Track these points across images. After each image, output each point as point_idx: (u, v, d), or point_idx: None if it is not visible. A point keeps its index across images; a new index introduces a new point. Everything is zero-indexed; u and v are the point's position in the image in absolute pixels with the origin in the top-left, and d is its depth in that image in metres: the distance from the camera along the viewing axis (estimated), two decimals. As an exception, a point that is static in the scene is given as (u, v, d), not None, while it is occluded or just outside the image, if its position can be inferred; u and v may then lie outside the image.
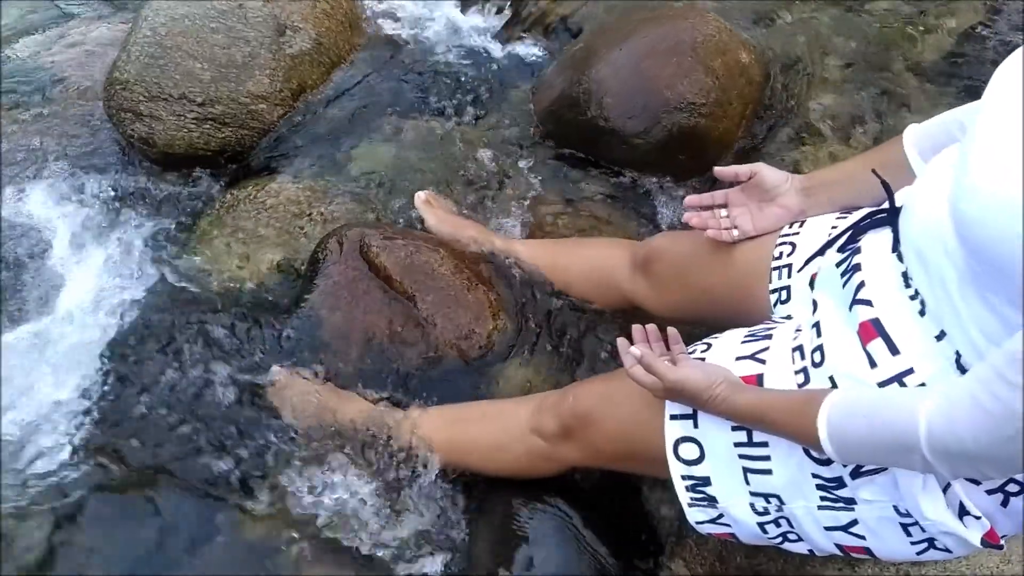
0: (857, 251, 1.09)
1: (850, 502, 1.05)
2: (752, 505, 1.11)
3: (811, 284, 1.18)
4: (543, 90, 2.03)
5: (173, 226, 1.82)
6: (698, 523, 1.17)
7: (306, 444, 1.46)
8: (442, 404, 1.51)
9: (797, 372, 1.08)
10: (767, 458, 1.08)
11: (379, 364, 1.54)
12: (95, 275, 1.72)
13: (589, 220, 1.85)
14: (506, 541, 1.36)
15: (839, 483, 1.04)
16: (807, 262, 1.21)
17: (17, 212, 1.80)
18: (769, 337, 1.15)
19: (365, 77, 2.09)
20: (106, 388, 1.53)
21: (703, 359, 1.15)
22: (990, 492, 0.99)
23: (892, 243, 1.05)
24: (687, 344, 1.20)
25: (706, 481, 1.13)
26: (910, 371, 0.98)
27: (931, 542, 1.04)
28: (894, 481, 1.00)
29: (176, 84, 1.85)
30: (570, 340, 1.64)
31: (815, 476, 1.05)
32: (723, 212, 1.35)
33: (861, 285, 1.05)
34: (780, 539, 1.14)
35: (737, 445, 1.10)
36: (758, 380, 1.10)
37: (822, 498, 1.06)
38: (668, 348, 1.19)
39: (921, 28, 2.16)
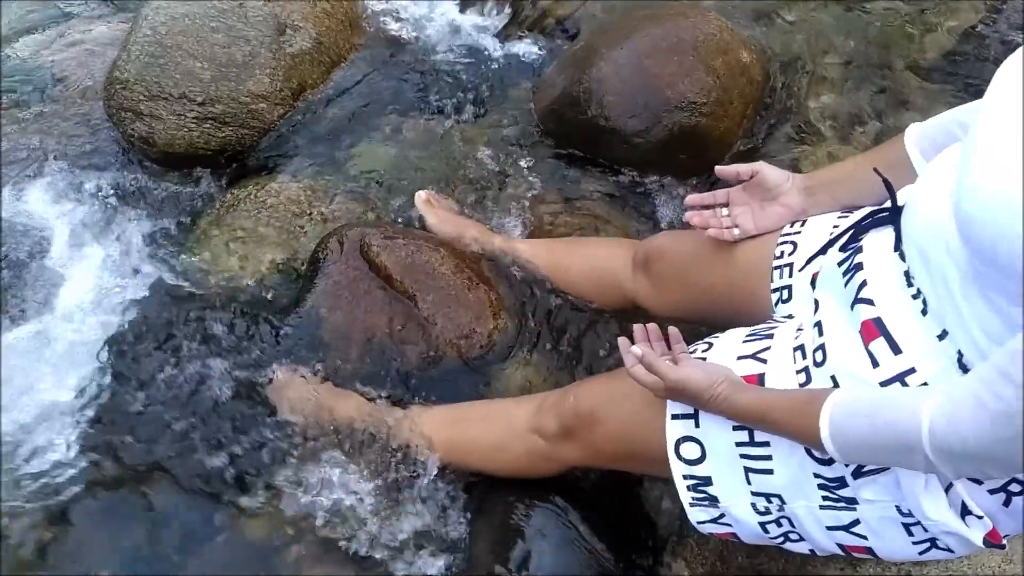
0: (859, 250, 1.09)
1: (852, 502, 1.05)
2: (753, 505, 1.11)
3: (813, 283, 1.17)
4: (544, 89, 2.03)
5: (173, 225, 1.81)
6: (699, 523, 1.17)
7: (304, 442, 1.46)
8: (442, 404, 1.50)
9: (799, 371, 1.08)
10: (768, 458, 1.08)
11: (379, 364, 1.54)
12: (95, 274, 1.72)
13: (590, 219, 1.85)
14: (506, 540, 1.36)
15: (841, 483, 1.04)
16: (809, 261, 1.21)
17: (17, 211, 1.80)
18: (771, 336, 1.15)
19: (365, 76, 2.09)
20: (105, 387, 1.53)
21: (704, 358, 1.15)
22: (992, 492, 0.99)
23: (894, 242, 1.05)
24: (688, 343, 1.20)
25: (707, 481, 1.13)
26: (912, 370, 0.98)
27: (933, 542, 1.04)
28: (896, 481, 1.00)
29: (176, 83, 1.84)
30: (570, 340, 1.64)
31: (817, 476, 1.05)
32: (724, 211, 1.34)
33: (863, 284, 1.05)
34: (782, 539, 1.14)
35: (738, 445, 1.09)
36: (760, 379, 1.10)
37: (824, 498, 1.06)
38: (669, 348, 1.19)
39: (921, 27, 2.16)
